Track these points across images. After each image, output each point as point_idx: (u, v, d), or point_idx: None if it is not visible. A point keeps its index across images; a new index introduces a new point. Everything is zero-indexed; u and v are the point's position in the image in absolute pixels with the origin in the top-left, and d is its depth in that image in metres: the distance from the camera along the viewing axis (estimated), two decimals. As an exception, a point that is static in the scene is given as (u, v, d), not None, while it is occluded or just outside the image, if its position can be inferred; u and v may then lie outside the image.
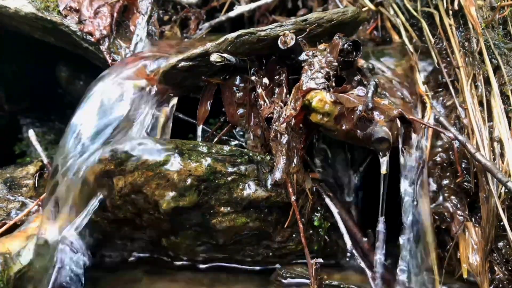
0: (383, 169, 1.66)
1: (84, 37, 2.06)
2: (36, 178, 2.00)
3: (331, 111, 1.66)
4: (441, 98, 1.98)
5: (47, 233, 1.72)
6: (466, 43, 1.96)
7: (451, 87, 1.95)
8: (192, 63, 1.84)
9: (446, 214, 1.84)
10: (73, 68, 2.42)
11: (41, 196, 1.87)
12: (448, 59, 2.01)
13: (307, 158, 1.91)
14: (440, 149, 1.89)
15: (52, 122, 2.62)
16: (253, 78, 1.89)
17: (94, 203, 1.73)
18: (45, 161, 2.06)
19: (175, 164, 1.69)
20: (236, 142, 2.00)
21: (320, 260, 1.65)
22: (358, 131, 1.68)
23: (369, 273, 1.77)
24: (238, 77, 1.92)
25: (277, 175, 1.71)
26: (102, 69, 2.01)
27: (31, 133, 2.13)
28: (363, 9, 2.19)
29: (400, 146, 1.77)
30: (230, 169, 1.75)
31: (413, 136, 1.80)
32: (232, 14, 2.37)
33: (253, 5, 2.41)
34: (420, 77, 2.01)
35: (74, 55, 2.22)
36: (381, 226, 1.73)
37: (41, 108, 2.63)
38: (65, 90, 2.49)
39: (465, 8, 1.96)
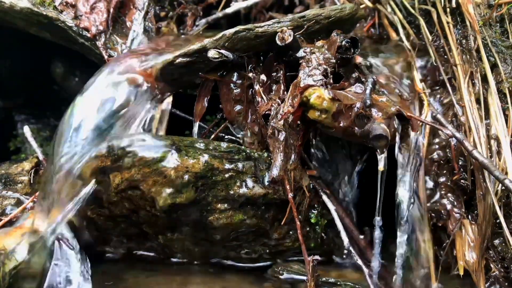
0: (381, 166, 1.66)
1: (80, 32, 2.04)
2: (32, 174, 1.99)
3: (329, 108, 1.66)
4: (438, 96, 1.98)
5: (42, 229, 1.70)
6: (464, 41, 1.97)
7: (448, 85, 1.96)
8: (189, 59, 1.83)
9: (442, 211, 1.84)
10: (69, 64, 2.39)
11: (37, 193, 1.86)
12: (445, 56, 2.01)
13: (304, 155, 1.91)
14: (437, 147, 1.89)
15: (47, 118, 2.60)
16: (250, 74, 1.88)
17: (86, 191, 1.71)
18: (41, 157, 2.04)
19: (172, 160, 1.69)
20: (232, 137, 1.99)
21: (318, 257, 1.65)
22: (356, 128, 1.68)
23: (366, 270, 1.78)
24: (235, 74, 1.91)
25: (275, 172, 1.71)
26: (98, 65, 2.00)
27: (26, 130, 2.11)
28: (361, 6, 2.18)
29: (398, 143, 1.77)
30: (227, 166, 1.74)
31: (411, 133, 1.81)
32: (229, 10, 2.37)
33: (250, 2, 2.40)
34: (417, 75, 2.01)
35: (70, 50, 2.20)
36: (377, 225, 1.74)
37: (36, 104, 2.61)
38: (60, 86, 2.47)
39: (463, 6, 1.96)
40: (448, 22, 2.01)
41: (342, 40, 1.79)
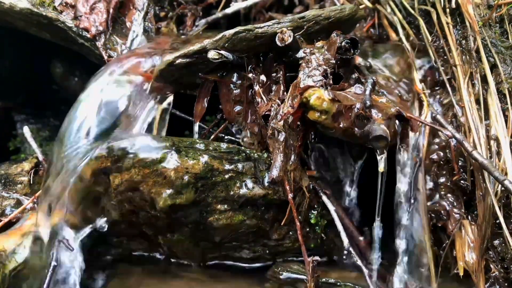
0: (381, 167, 1.66)
1: (80, 33, 2.04)
2: (31, 175, 1.99)
3: (329, 109, 1.66)
4: (438, 96, 1.98)
5: (42, 230, 1.71)
6: (463, 41, 1.96)
7: (448, 85, 1.95)
8: (189, 60, 1.82)
9: (442, 212, 1.84)
10: (68, 64, 2.40)
11: (36, 193, 1.86)
12: (445, 57, 2.01)
13: (304, 156, 1.91)
14: (437, 147, 1.89)
15: (47, 118, 2.60)
16: (250, 75, 1.88)
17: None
18: (40, 157, 2.04)
19: (172, 161, 1.69)
20: (232, 138, 1.99)
21: (317, 257, 1.65)
22: (356, 129, 1.68)
23: (365, 270, 1.78)
24: (235, 74, 1.91)
25: (274, 172, 1.71)
26: (97, 65, 2.00)
27: (26, 130, 2.11)
28: (361, 7, 2.18)
29: (398, 144, 1.77)
30: (227, 167, 1.74)
31: (410, 134, 1.81)
32: (228, 11, 2.36)
33: (249, 2, 2.40)
34: (417, 75, 2.01)
35: (69, 51, 2.21)
36: (377, 225, 1.74)
37: (35, 104, 2.61)
38: (60, 86, 2.47)
39: (462, 6, 1.96)
40: (447, 23, 2.01)
41: (342, 40, 1.79)
